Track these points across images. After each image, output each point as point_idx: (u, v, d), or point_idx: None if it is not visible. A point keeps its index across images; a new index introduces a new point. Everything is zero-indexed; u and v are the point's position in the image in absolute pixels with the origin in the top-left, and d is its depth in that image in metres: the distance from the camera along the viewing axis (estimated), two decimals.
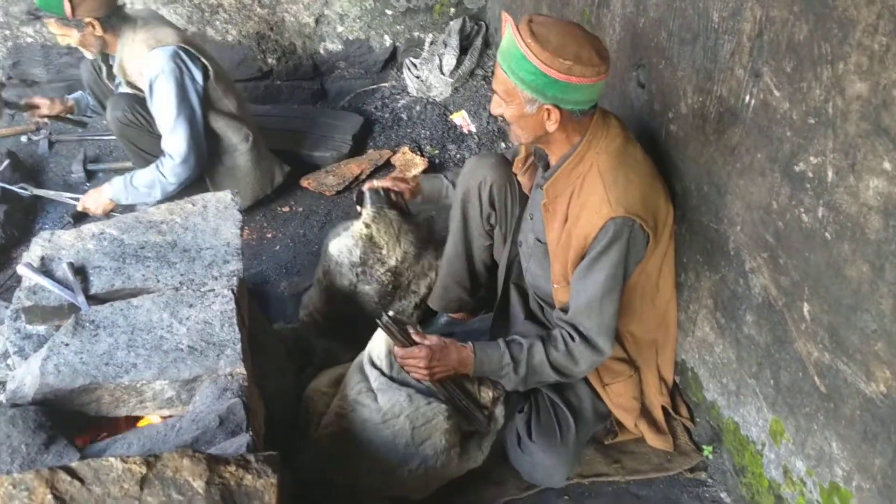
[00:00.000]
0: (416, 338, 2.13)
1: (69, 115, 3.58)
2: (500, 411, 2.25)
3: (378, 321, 2.12)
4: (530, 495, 2.28)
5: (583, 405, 2.33)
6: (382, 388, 2.14)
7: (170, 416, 1.95)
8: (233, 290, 2.19)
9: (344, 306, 2.76)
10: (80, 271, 2.22)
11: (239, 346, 2.00)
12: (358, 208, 2.71)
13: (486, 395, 2.22)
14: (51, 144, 4.15)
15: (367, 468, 2.13)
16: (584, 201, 2.01)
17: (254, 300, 2.59)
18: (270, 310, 3.03)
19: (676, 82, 2.18)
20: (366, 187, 2.69)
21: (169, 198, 3.10)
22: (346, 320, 2.78)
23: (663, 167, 2.23)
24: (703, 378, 2.36)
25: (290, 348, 2.71)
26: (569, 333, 2.09)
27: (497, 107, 2.02)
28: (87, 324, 2.01)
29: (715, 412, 2.30)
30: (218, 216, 2.51)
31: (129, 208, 3.19)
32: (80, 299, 2.10)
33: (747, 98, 1.85)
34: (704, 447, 2.39)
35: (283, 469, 1.67)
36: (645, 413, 2.43)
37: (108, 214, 3.23)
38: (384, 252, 2.72)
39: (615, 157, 2.01)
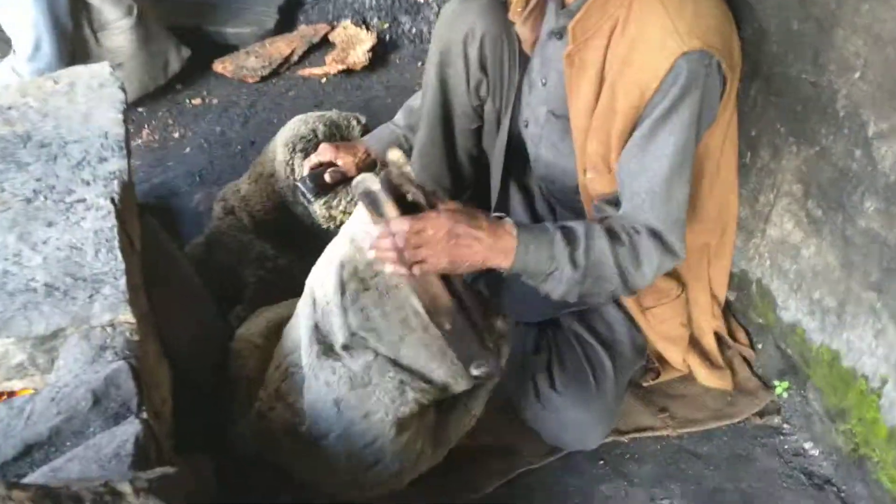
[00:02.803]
0: (432, 200, 1.45)
1: None
2: (505, 350, 1.66)
3: (357, 192, 1.44)
4: (553, 462, 1.76)
5: (617, 337, 1.80)
6: (352, 344, 1.52)
7: (20, 393, 1.36)
8: (113, 200, 1.57)
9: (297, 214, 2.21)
10: None
11: (123, 282, 1.41)
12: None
13: (496, 322, 1.60)
14: None
15: (329, 466, 1.55)
16: (636, 38, 1.44)
17: (157, 219, 2.00)
18: (182, 231, 2.41)
19: None
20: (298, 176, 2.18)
21: None
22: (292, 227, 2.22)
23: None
24: (777, 293, 1.84)
25: (208, 277, 2.09)
26: (630, 225, 1.54)
27: None
28: None
29: (797, 338, 1.79)
30: (90, 97, 1.87)
31: None
32: None
33: None
34: (777, 384, 1.89)
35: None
36: (694, 343, 1.91)
37: None
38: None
39: None
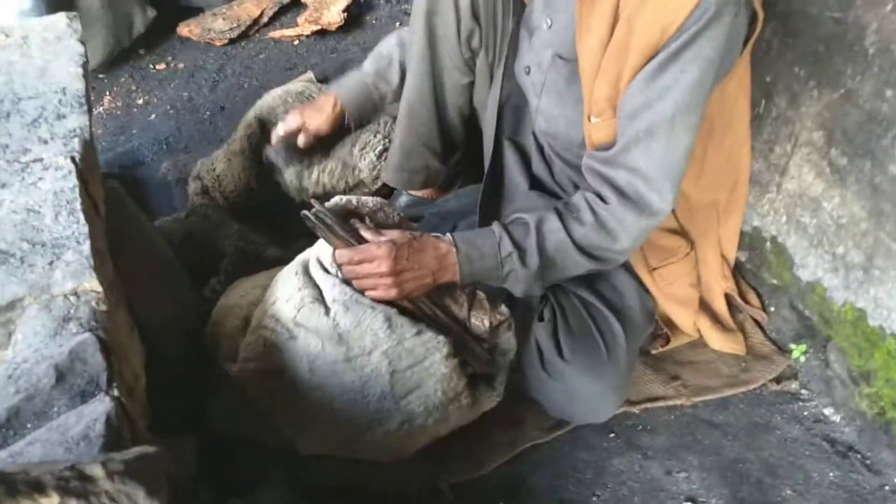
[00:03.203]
0: (366, 234, 1.46)
1: None
2: (507, 338, 1.57)
3: (306, 214, 1.44)
4: (560, 436, 1.65)
5: (626, 302, 1.69)
6: (346, 302, 1.42)
7: None
8: (74, 160, 1.43)
9: (272, 195, 2.08)
10: None
11: (87, 246, 1.27)
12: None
13: (480, 320, 1.53)
14: None
15: (314, 429, 1.45)
16: None
17: (124, 189, 1.84)
18: (150, 202, 2.26)
19: None
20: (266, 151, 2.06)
21: None
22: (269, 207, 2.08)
23: None
24: (794, 250, 1.74)
25: (183, 250, 1.95)
26: (596, 195, 1.46)
27: None
28: None
29: (817, 297, 1.70)
30: (46, 51, 1.72)
31: None
32: None
33: None
34: (793, 347, 1.79)
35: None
36: (704, 306, 1.82)
37: None
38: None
39: None
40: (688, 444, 1.64)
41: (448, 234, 1.48)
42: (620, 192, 1.43)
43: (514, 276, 1.49)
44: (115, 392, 1.10)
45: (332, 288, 1.44)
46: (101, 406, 1.03)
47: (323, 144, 2.05)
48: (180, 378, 1.59)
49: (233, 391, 1.52)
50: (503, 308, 1.56)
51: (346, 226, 1.45)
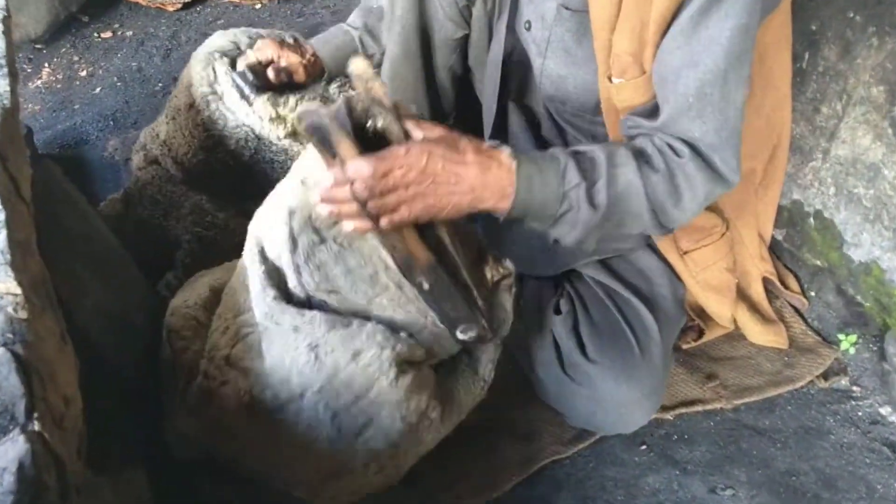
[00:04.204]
0: (406, 125, 1.10)
1: None
2: (505, 302, 1.30)
3: (309, 111, 1.05)
4: (583, 450, 1.44)
5: (656, 290, 1.48)
6: (268, 326, 1.19)
7: None
8: None
9: (236, 147, 1.79)
10: None
11: (2, 237, 1.03)
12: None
13: (491, 267, 1.27)
14: None
15: (302, 445, 1.21)
16: None
17: (64, 171, 1.62)
18: (94, 185, 2.01)
19: None
20: (230, 73, 1.75)
21: None
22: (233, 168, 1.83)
23: None
24: (845, 226, 1.55)
25: (132, 242, 1.71)
26: (667, 143, 1.20)
27: None
28: None
29: (872, 280, 1.51)
30: None
31: None
32: None
33: None
34: (841, 337, 1.60)
35: None
36: (740, 294, 1.63)
37: None
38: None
39: None
40: (732, 455, 1.44)
41: (506, 147, 1.16)
42: (693, 147, 1.20)
43: (571, 217, 1.19)
44: (37, 425, 0.87)
45: (261, 301, 1.18)
46: (12, 449, 0.80)
47: (293, 87, 1.78)
48: (131, 395, 1.35)
49: (196, 404, 1.28)
50: (507, 262, 1.30)
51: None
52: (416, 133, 1.08)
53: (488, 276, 1.25)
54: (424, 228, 1.13)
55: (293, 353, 1.14)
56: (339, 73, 1.78)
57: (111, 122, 2.24)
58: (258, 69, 1.68)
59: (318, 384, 1.14)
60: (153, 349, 1.43)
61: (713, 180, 1.19)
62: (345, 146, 1.04)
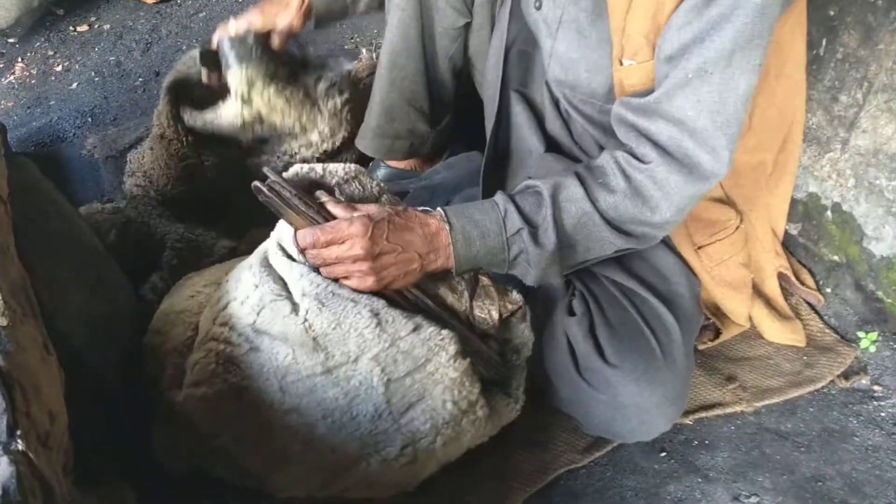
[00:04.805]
0: (335, 209, 1.16)
1: None
2: (521, 331, 1.30)
3: (257, 186, 1.13)
4: (599, 458, 1.37)
5: (674, 288, 1.41)
6: (319, 295, 1.12)
7: None
8: None
9: (214, 179, 1.74)
10: None
11: None
12: (204, 73, 1.63)
13: (486, 311, 1.25)
14: None
15: (289, 467, 1.15)
16: None
17: (39, 168, 1.54)
18: (73, 184, 1.92)
19: None
20: (218, 35, 1.61)
21: None
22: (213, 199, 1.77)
23: None
24: (866, 219, 1.50)
25: (117, 245, 1.63)
26: (629, 154, 1.18)
27: None
28: None
29: (895, 275, 1.43)
30: None
31: None
32: None
33: None
34: (861, 335, 1.55)
35: None
36: (754, 290, 1.56)
37: None
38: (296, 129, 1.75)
39: None
40: (755, 460, 1.38)
41: (439, 209, 1.20)
42: (662, 149, 1.15)
43: (524, 260, 1.20)
44: (20, 444, 0.79)
45: (299, 279, 1.14)
46: None
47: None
48: (115, 405, 1.26)
49: (183, 420, 1.20)
50: (514, 294, 1.28)
51: (310, 199, 1.15)
52: (355, 211, 1.15)
53: (497, 312, 1.24)
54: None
55: (352, 316, 1.13)
56: (324, 13, 1.66)
57: (89, 119, 2.15)
58: (259, 37, 1.57)
59: (376, 349, 1.13)
60: (138, 356, 1.35)
61: (691, 179, 1.15)
62: (291, 216, 1.13)
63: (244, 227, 1.70)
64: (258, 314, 1.16)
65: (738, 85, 1.12)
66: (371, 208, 1.16)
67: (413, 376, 1.14)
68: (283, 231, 1.18)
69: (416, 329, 1.14)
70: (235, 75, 1.57)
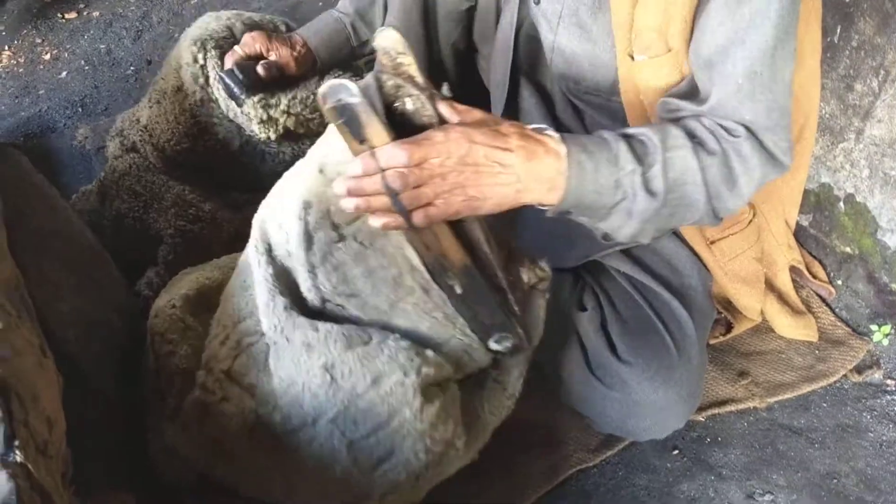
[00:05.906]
0: (440, 108, 0.95)
1: None
2: (537, 310, 1.19)
3: (326, 92, 0.90)
4: (610, 456, 1.34)
5: (686, 282, 1.39)
6: (277, 340, 1.07)
7: None
8: None
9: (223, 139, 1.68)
10: None
11: None
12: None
13: (515, 272, 1.12)
14: None
15: (313, 474, 1.10)
16: None
17: (29, 159, 1.50)
18: (64, 176, 1.89)
19: None
20: (218, 72, 1.58)
21: None
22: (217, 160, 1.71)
23: None
24: (880, 210, 1.48)
25: (109, 238, 1.59)
26: (720, 125, 1.09)
27: None
28: None
29: None
30: None
31: None
32: None
33: None
34: (874, 328, 1.52)
35: None
36: (766, 284, 1.53)
37: None
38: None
39: None
40: (769, 457, 1.36)
41: (550, 129, 1.04)
42: (747, 128, 1.10)
43: (624, 209, 1.07)
44: (19, 455, 0.75)
45: (270, 312, 1.05)
46: None
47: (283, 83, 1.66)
48: (112, 409, 1.22)
49: (190, 422, 1.16)
50: (544, 263, 1.16)
51: (425, 88, 0.94)
52: (453, 117, 0.95)
53: (524, 278, 1.11)
54: (457, 224, 1.00)
55: (305, 374, 1.02)
56: (332, 65, 1.65)
57: (80, 109, 2.09)
58: (247, 66, 1.54)
59: (333, 411, 1.02)
60: (134, 356, 1.31)
61: (768, 162, 1.10)
62: (376, 130, 0.90)
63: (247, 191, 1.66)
64: (234, 361, 1.10)
65: (784, 76, 1.10)
66: (472, 114, 0.98)
67: (377, 435, 1.04)
68: (328, 151, 1.04)
69: (374, 383, 1.02)
70: (247, 105, 1.54)
